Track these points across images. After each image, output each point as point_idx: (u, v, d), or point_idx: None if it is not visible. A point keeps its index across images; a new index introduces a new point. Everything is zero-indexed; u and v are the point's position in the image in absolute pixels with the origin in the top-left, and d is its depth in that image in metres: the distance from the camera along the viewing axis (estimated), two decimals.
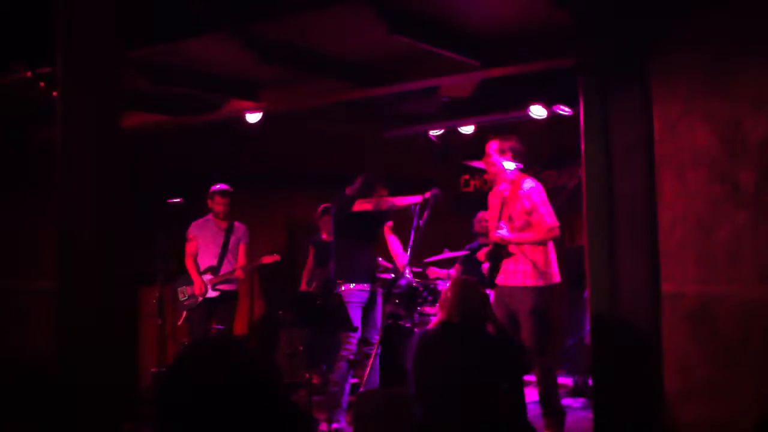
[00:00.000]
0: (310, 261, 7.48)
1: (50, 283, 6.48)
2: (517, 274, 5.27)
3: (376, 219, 6.01)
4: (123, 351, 3.62)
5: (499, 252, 5.32)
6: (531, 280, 5.21)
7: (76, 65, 3.60)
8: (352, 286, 5.82)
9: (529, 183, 5.30)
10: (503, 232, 5.24)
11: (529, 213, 5.23)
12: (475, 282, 4.26)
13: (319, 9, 4.02)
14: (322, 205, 7.39)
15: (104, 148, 3.58)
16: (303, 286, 7.41)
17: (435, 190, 5.44)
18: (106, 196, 3.57)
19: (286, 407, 1.85)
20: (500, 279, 5.32)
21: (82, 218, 3.54)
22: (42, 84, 5.30)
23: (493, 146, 5.38)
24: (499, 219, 5.36)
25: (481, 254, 5.53)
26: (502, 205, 5.40)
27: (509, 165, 5.36)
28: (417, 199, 5.50)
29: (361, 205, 5.77)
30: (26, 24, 4.86)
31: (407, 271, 5.97)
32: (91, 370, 3.39)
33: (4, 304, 6.20)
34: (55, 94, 5.25)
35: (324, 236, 7.39)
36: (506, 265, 5.31)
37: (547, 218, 5.20)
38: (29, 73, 5.27)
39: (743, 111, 3.78)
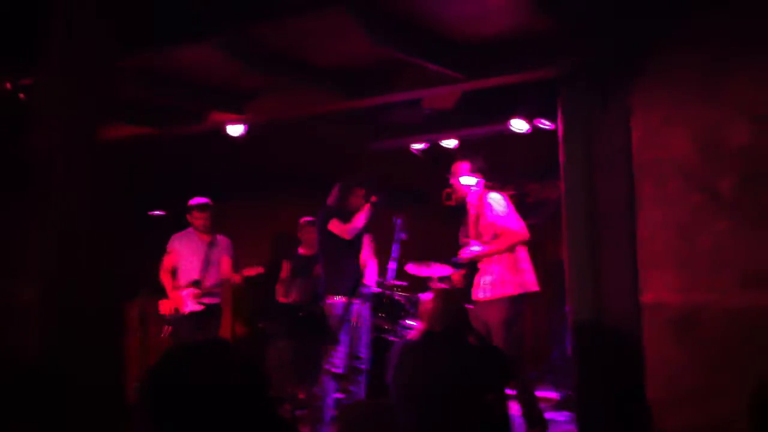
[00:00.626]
0: (283, 274, 7.43)
1: (29, 295, 6.43)
2: (485, 286, 5.37)
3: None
4: (112, 352, 3.59)
5: (472, 268, 5.43)
6: (499, 291, 5.30)
7: (60, 74, 3.58)
8: (336, 298, 5.83)
9: (490, 195, 5.47)
10: (474, 248, 5.34)
11: (493, 224, 5.35)
12: (456, 292, 4.30)
13: (301, 16, 4.02)
14: (303, 219, 7.39)
15: (93, 156, 3.57)
16: (280, 299, 7.38)
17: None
18: (97, 201, 3.55)
19: (271, 413, 1.85)
20: (473, 294, 5.40)
21: (66, 224, 3.52)
22: (22, 96, 5.27)
23: (463, 167, 5.54)
24: (472, 236, 5.47)
25: (456, 277, 5.61)
26: (474, 222, 5.50)
27: (469, 180, 5.50)
28: (366, 212, 5.78)
29: (334, 227, 5.90)
30: (6, 34, 4.83)
31: (368, 288, 6.04)
32: (82, 371, 3.37)
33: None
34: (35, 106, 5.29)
35: (301, 250, 7.39)
36: (476, 279, 5.40)
37: (512, 225, 5.32)
38: (8, 85, 5.24)
39: (723, 118, 3.82)
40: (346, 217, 5.93)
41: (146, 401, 1.76)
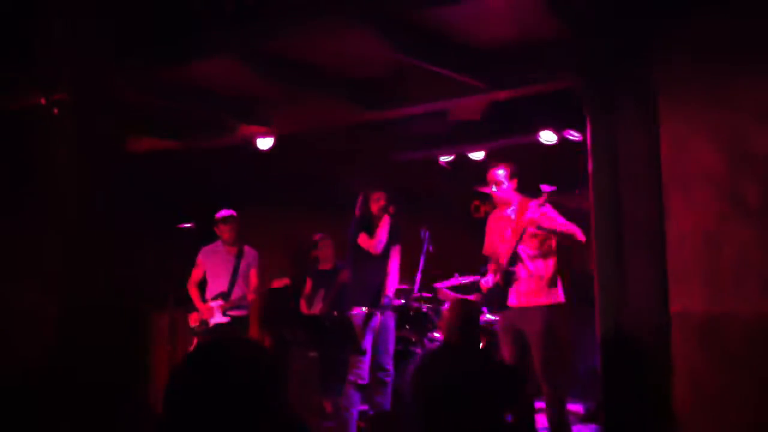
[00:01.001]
0: (307, 290, 7.47)
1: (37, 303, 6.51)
2: (529, 294, 5.25)
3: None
4: (121, 352, 3.64)
5: (511, 274, 5.31)
6: (543, 299, 5.21)
7: (80, 88, 3.66)
8: (358, 309, 5.85)
9: (538, 203, 5.30)
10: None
11: (552, 229, 5.20)
12: (474, 303, 4.28)
13: (324, 29, 4.06)
14: (316, 236, 7.43)
15: (108, 168, 3.63)
16: (304, 311, 7.41)
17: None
18: (113, 218, 3.61)
19: (286, 413, 1.86)
20: (512, 301, 5.30)
21: (85, 236, 3.57)
22: (56, 111, 5.37)
23: (504, 172, 5.43)
24: (517, 243, 5.35)
25: (485, 284, 5.51)
26: (518, 232, 5.39)
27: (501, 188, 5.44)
28: (386, 224, 5.86)
29: (362, 241, 5.97)
30: (39, 49, 4.94)
31: (389, 296, 6.02)
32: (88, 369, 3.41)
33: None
34: (56, 111, 5.39)
35: (320, 267, 7.41)
36: (517, 286, 5.29)
37: (571, 225, 5.24)
38: (43, 100, 5.34)
39: (748, 125, 3.76)
40: (371, 228, 5.97)
41: (168, 399, 1.77)
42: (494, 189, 5.51)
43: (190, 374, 1.78)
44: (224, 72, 4.88)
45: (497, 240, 5.52)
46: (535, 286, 5.24)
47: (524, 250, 5.30)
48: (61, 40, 3.69)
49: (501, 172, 5.43)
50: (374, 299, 5.86)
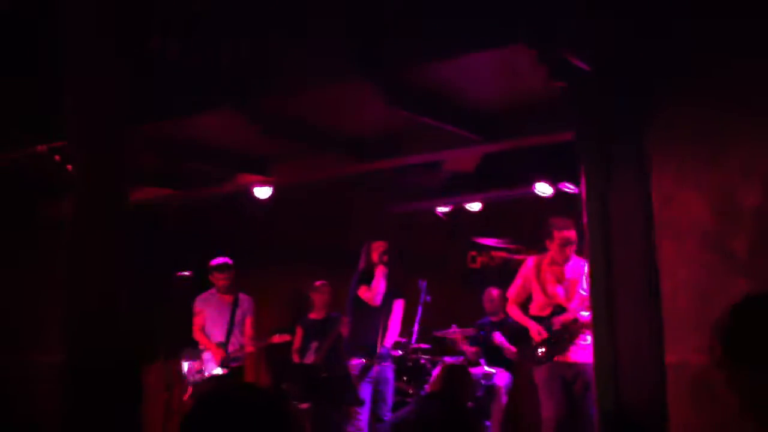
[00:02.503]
0: (297, 341, 7.37)
1: (54, 357, 6.51)
2: (587, 348, 5.29)
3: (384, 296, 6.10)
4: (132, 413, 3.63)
5: (576, 327, 5.35)
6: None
7: (87, 141, 3.71)
8: (355, 360, 5.85)
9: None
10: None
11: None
12: (461, 368, 4.38)
13: (321, 86, 4.15)
14: (319, 281, 7.42)
15: (114, 222, 3.67)
16: (296, 360, 7.36)
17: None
18: (115, 270, 3.63)
19: None
20: (575, 355, 5.35)
21: (91, 290, 3.59)
22: (57, 158, 5.43)
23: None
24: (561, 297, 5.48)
25: (535, 334, 5.43)
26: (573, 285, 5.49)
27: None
28: (381, 274, 5.94)
29: (362, 293, 6.06)
30: (40, 98, 5.02)
31: (387, 347, 6.03)
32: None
33: (8, 377, 6.19)
34: (69, 167, 5.44)
35: (312, 315, 7.37)
36: (582, 338, 5.35)
37: None
38: (44, 147, 5.40)
39: (734, 180, 3.81)
40: (371, 280, 6.02)
41: None
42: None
43: (211, 421, 1.76)
44: (221, 125, 4.96)
45: (552, 289, 5.53)
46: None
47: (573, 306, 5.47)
48: (70, 92, 3.76)
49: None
50: (372, 351, 5.87)
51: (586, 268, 5.58)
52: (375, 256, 6.07)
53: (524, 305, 5.77)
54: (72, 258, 3.65)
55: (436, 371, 4.23)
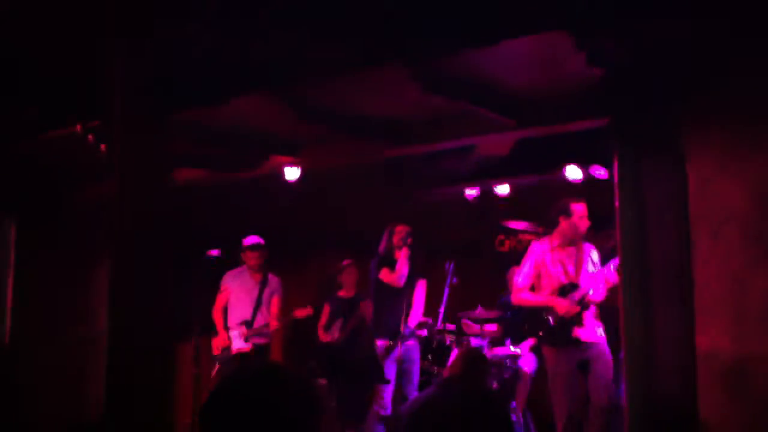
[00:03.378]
0: (324, 316, 7.45)
1: (95, 330, 6.64)
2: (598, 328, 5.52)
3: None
4: (163, 396, 3.71)
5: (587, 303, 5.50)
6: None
7: (131, 124, 3.76)
8: (380, 341, 5.92)
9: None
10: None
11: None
12: (479, 352, 4.43)
13: (357, 71, 4.15)
14: (346, 261, 7.48)
15: (156, 202, 3.73)
16: (321, 338, 7.42)
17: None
18: (157, 248, 3.70)
19: None
20: (585, 335, 5.47)
21: (136, 269, 3.66)
22: (90, 137, 5.49)
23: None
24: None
25: (563, 310, 5.49)
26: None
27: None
28: (405, 256, 5.96)
29: (384, 276, 6.10)
30: (74, 78, 5.07)
31: (410, 327, 6.07)
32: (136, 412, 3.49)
33: (48, 352, 6.32)
34: (103, 147, 5.50)
35: (341, 293, 7.44)
36: (590, 316, 5.50)
37: None
38: (78, 127, 5.46)
39: None
40: (394, 263, 6.05)
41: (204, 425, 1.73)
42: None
43: (234, 400, 1.72)
44: (253, 110, 4.98)
45: (564, 270, 5.59)
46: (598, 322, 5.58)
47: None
48: (113, 75, 3.80)
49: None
50: (395, 332, 5.91)
51: (591, 251, 5.66)
52: (396, 240, 6.11)
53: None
54: (115, 238, 3.71)
55: (453, 354, 4.26)
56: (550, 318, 5.44)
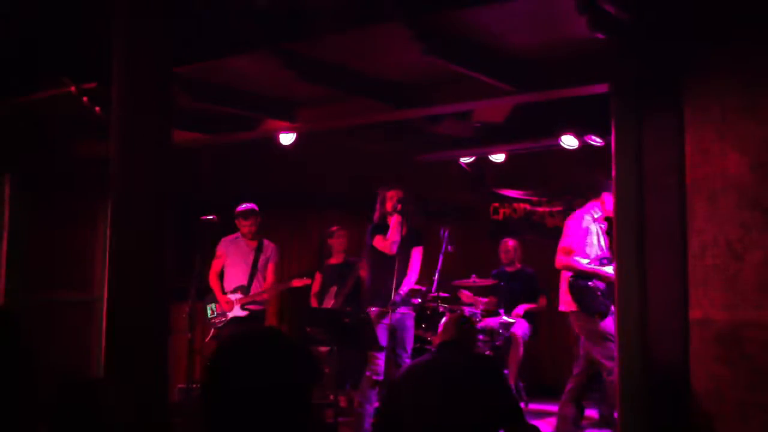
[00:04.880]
0: (316, 285, 7.51)
1: (90, 294, 6.61)
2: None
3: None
4: (161, 361, 3.71)
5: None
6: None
7: (132, 83, 3.71)
8: (372, 308, 5.93)
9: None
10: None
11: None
12: (469, 318, 4.45)
13: (356, 27, 4.11)
14: (335, 227, 7.49)
15: (158, 162, 3.69)
16: (314, 305, 7.45)
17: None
18: (159, 209, 3.68)
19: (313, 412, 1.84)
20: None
21: (137, 228, 3.64)
22: (85, 99, 5.44)
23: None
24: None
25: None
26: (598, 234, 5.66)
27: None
28: (396, 223, 5.92)
29: (377, 243, 6.07)
30: (69, 40, 5.01)
31: (401, 294, 6.05)
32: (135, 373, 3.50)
33: (42, 315, 6.30)
34: (97, 109, 5.45)
35: (330, 261, 7.46)
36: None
37: None
38: (73, 88, 5.40)
39: None
40: (387, 229, 6.02)
41: (205, 397, 1.72)
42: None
43: (235, 363, 1.72)
44: (251, 68, 4.93)
45: (605, 241, 5.68)
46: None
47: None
48: (116, 35, 3.75)
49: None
50: (387, 298, 5.90)
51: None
52: (389, 205, 6.05)
53: None
54: (116, 198, 3.68)
55: (444, 321, 4.27)
56: (600, 286, 5.50)
